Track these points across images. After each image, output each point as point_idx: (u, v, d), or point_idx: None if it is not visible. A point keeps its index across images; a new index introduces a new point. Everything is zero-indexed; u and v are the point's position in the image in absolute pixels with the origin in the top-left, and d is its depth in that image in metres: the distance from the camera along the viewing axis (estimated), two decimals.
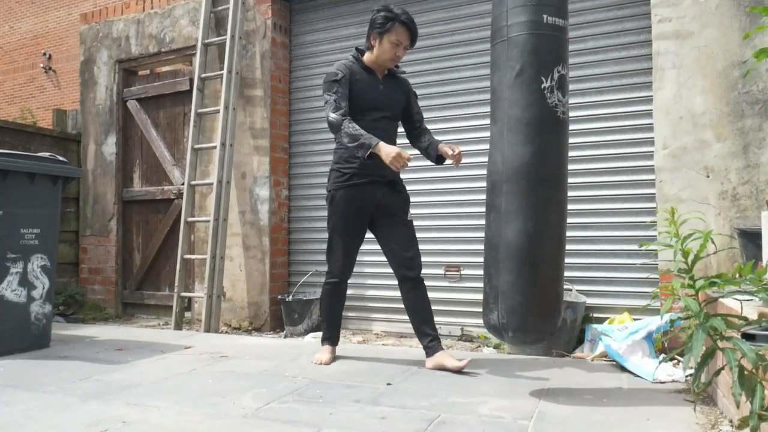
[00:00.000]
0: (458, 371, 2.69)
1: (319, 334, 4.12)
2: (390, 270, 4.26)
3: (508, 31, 2.25)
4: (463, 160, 4.00)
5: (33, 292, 3.32)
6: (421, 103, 4.23)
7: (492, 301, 2.29)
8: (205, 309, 4.24)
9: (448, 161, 2.92)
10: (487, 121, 3.95)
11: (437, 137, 4.13)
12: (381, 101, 2.85)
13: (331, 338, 3.03)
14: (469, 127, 4.06)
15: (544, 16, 2.21)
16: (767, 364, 1.43)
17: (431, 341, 2.85)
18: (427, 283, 4.11)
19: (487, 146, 3.92)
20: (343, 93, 2.76)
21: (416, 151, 3.03)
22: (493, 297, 2.29)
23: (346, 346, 3.54)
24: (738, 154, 3.12)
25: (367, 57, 2.88)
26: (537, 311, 2.24)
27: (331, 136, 4.68)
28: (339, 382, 2.55)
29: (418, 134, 3.02)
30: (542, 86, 2.20)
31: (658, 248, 1.91)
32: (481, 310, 3.87)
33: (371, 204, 2.86)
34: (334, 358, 2.98)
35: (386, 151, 2.57)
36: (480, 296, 3.89)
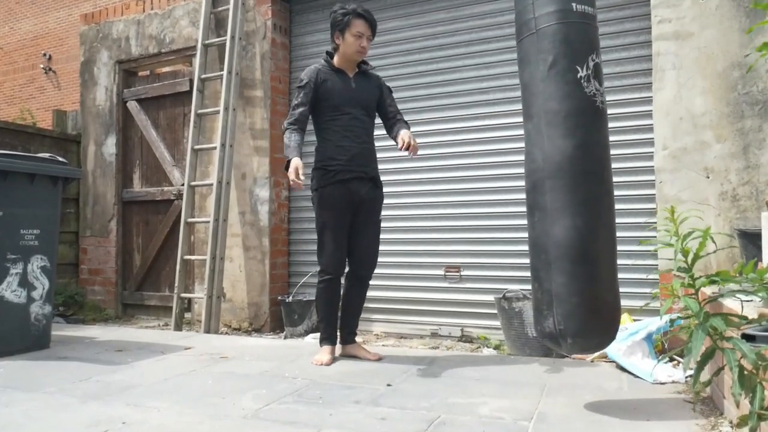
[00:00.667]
0: (377, 360, 2.95)
1: (319, 335, 4.14)
2: (390, 270, 4.30)
3: (536, 23, 2.15)
4: (464, 161, 4.05)
5: (33, 292, 3.31)
6: (423, 104, 4.28)
7: (545, 307, 2.13)
8: (205, 310, 4.24)
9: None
10: (490, 122, 4.01)
11: (438, 138, 4.17)
12: (354, 99, 2.95)
13: (330, 338, 3.01)
14: (471, 127, 4.05)
15: (573, 5, 2.12)
16: (767, 364, 1.43)
17: (349, 334, 3.08)
18: (427, 283, 4.16)
19: (489, 146, 3.98)
20: (305, 98, 2.91)
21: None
22: (546, 303, 2.12)
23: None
24: (738, 155, 3.12)
25: (336, 58, 3.00)
26: (596, 313, 2.09)
27: None
28: (339, 383, 2.55)
29: (391, 125, 3.07)
30: (578, 76, 2.10)
31: (658, 247, 1.89)
32: (481, 311, 3.92)
33: (356, 199, 2.92)
34: (334, 358, 2.98)
35: (292, 166, 2.76)
36: (481, 297, 3.93)
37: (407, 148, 2.82)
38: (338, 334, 3.05)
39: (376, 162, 3.04)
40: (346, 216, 2.92)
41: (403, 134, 2.86)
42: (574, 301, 2.06)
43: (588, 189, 2.11)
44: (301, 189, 2.86)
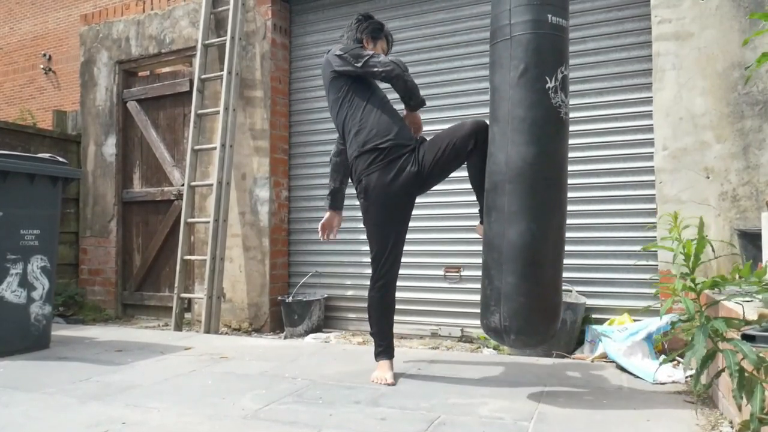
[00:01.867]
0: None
1: (320, 335, 4.14)
2: None
3: (512, 30, 2.23)
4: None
5: (33, 293, 3.32)
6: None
7: (493, 303, 2.25)
8: (205, 310, 4.24)
9: None
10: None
11: None
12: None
13: (389, 350, 2.66)
14: None
15: (549, 16, 2.20)
16: (767, 366, 1.43)
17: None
18: (427, 283, 4.16)
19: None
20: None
21: None
22: (494, 299, 2.25)
23: (346, 347, 3.54)
24: (738, 155, 3.12)
25: None
26: (540, 313, 2.21)
27: (331, 137, 4.69)
28: (339, 384, 2.54)
29: None
30: (546, 86, 2.19)
31: (660, 248, 1.90)
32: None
33: (411, 178, 2.58)
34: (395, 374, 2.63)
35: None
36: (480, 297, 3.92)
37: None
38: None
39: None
40: (404, 202, 2.65)
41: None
42: (521, 301, 2.19)
43: (545, 195, 2.23)
44: None
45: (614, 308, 3.49)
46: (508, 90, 2.24)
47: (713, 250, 1.79)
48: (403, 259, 4.28)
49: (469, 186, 4.03)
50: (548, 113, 2.20)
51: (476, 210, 4.13)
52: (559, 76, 2.21)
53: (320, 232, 2.98)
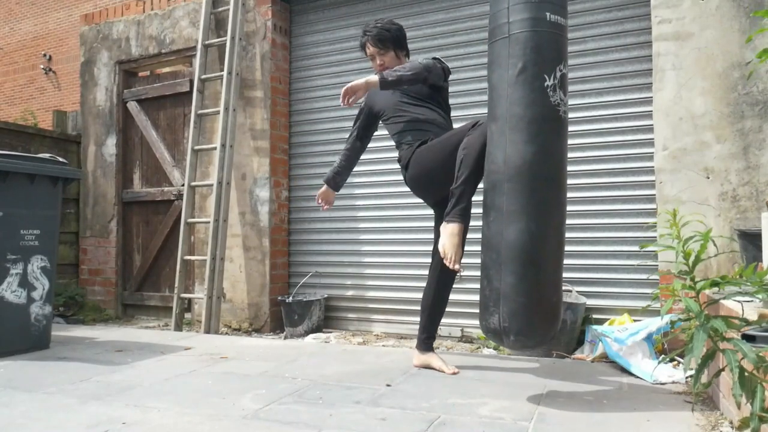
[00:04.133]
0: (454, 374, 2.68)
1: (320, 335, 4.14)
2: (390, 271, 4.30)
3: (510, 28, 2.22)
4: None
5: (33, 293, 3.32)
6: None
7: (492, 304, 2.23)
8: (205, 310, 4.24)
9: None
10: None
11: None
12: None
13: (432, 338, 2.80)
14: None
15: (547, 14, 2.19)
16: (767, 365, 1.43)
17: (429, 338, 2.83)
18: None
19: None
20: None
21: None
22: (493, 300, 2.23)
23: (347, 347, 3.54)
24: (738, 156, 3.12)
25: None
26: (540, 314, 2.19)
27: (329, 137, 4.70)
28: (339, 384, 2.55)
29: None
30: (545, 84, 2.17)
31: (658, 249, 1.90)
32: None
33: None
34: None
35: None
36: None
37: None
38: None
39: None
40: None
41: None
42: (521, 301, 2.15)
43: (544, 194, 2.20)
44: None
45: (614, 308, 3.49)
46: (507, 88, 2.22)
47: (715, 246, 1.79)
48: (404, 259, 4.32)
49: None
50: (547, 111, 2.19)
51: (476, 210, 4.11)
52: (558, 74, 2.20)
53: (318, 200, 3.10)
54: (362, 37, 2.92)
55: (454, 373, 2.68)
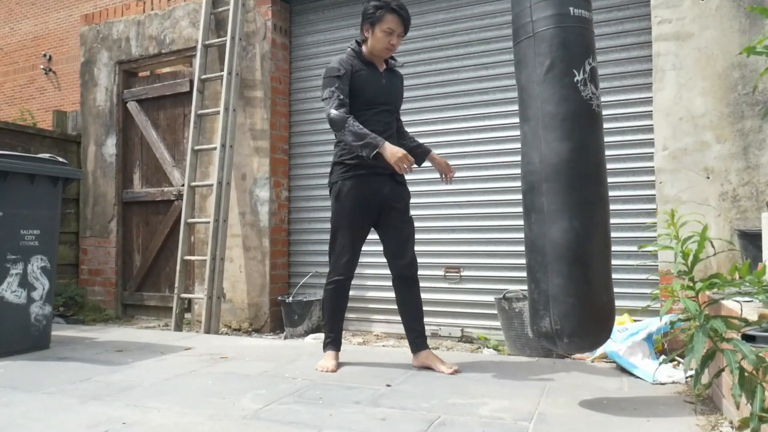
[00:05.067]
0: (453, 372, 2.69)
1: (320, 335, 4.13)
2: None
3: (534, 26, 2.18)
4: (464, 161, 4.04)
5: (33, 293, 3.32)
6: (422, 104, 4.29)
7: (542, 307, 2.16)
8: (205, 310, 4.24)
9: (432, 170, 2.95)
10: (489, 122, 4.00)
11: (438, 138, 4.16)
12: (383, 95, 2.84)
13: (335, 342, 2.88)
14: (471, 128, 4.05)
15: (570, 9, 2.15)
16: (767, 366, 1.43)
17: (418, 338, 2.87)
18: (427, 284, 4.15)
19: (489, 147, 3.98)
20: (344, 89, 2.72)
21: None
22: (542, 303, 2.16)
23: (346, 348, 3.54)
24: (738, 156, 3.12)
25: (363, 50, 2.84)
26: (591, 314, 2.12)
27: (330, 137, 4.67)
28: (339, 384, 2.55)
29: (401, 131, 3.04)
30: (575, 80, 2.13)
31: (656, 249, 1.89)
32: (481, 311, 3.92)
33: (379, 198, 2.79)
34: (339, 364, 2.84)
35: (392, 151, 2.58)
36: (481, 298, 3.93)
37: (449, 180, 2.94)
38: (342, 339, 2.95)
39: None
40: (364, 213, 2.78)
41: (443, 163, 2.96)
42: (571, 302, 2.10)
43: (584, 191, 2.15)
44: (411, 171, 2.65)
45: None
46: (536, 87, 2.18)
47: (713, 247, 1.79)
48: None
49: (469, 186, 4.06)
50: (579, 107, 2.14)
51: (476, 210, 4.11)
52: (587, 68, 2.15)
53: (403, 165, 2.61)
54: (401, 11, 2.74)
55: (454, 372, 2.69)
